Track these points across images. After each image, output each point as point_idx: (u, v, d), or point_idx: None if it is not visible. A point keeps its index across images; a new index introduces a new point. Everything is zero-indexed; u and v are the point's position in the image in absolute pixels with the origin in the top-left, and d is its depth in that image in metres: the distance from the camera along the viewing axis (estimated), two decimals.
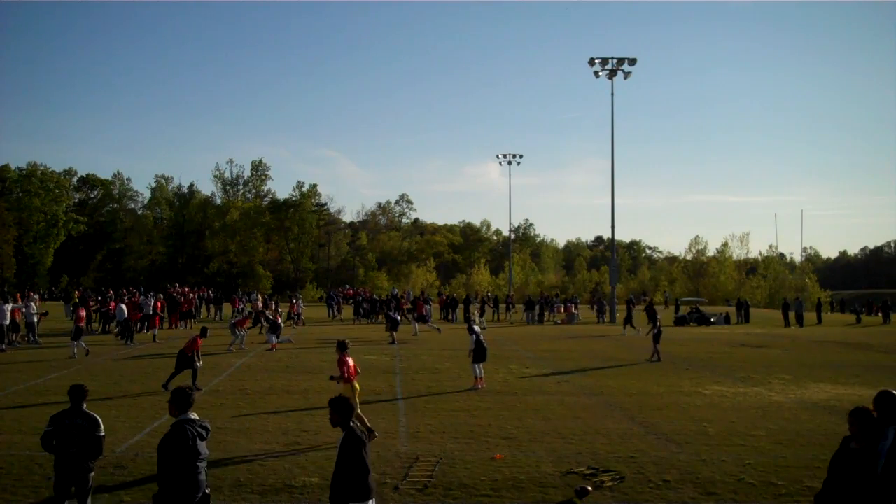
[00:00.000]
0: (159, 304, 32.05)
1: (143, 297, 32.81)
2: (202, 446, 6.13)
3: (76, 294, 42.12)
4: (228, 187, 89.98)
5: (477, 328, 17.38)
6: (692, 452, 10.59)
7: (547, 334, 32.00)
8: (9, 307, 24.11)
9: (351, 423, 6.09)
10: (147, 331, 30.22)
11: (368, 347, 24.94)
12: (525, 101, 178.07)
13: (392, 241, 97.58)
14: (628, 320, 32.12)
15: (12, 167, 78.08)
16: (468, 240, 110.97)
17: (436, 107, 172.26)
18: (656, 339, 21.59)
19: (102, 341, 26.82)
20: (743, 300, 47.01)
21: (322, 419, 12.80)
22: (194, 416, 6.27)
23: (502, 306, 44.37)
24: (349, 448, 5.93)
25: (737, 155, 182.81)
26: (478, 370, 16.38)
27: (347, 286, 60.97)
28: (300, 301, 41.15)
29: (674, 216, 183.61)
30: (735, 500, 8.54)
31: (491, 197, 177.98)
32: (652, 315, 21.93)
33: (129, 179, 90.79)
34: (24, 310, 25.70)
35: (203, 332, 17.32)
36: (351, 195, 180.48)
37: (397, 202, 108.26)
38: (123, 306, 28.23)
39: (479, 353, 16.38)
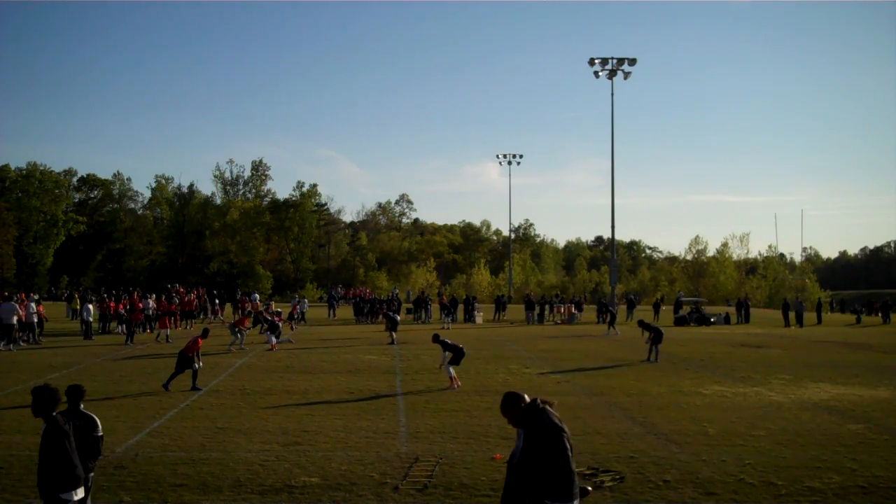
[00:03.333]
0: (173, 306, 32.12)
1: (143, 298, 32.82)
2: None
3: (77, 295, 42.12)
4: (228, 187, 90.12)
5: (448, 340, 17.49)
6: (692, 452, 10.58)
7: (547, 334, 32.00)
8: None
9: (54, 414, 6.10)
10: (148, 331, 30.34)
11: (368, 347, 24.95)
12: (525, 101, 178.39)
13: (392, 241, 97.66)
14: (612, 321, 32.59)
15: (12, 167, 78.24)
16: (468, 240, 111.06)
17: (435, 107, 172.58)
18: (656, 341, 21.57)
19: (103, 342, 26.82)
20: (743, 300, 47.04)
21: (322, 419, 12.80)
22: None
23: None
24: (50, 439, 5.98)
25: (737, 155, 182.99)
26: (452, 371, 16.54)
27: (341, 287, 60.93)
28: (302, 302, 41.21)
29: (674, 216, 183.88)
30: (735, 500, 8.53)
31: (491, 197, 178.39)
32: (646, 327, 22.22)
33: (129, 179, 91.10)
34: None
35: (204, 333, 17.33)
36: (351, 195, 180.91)
37: (397, 202, 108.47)
38: (90, 306, 28.57)
39: (458, 357, 16.64)
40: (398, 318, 29.63)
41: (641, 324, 22.95)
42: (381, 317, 34.94)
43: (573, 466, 5.39)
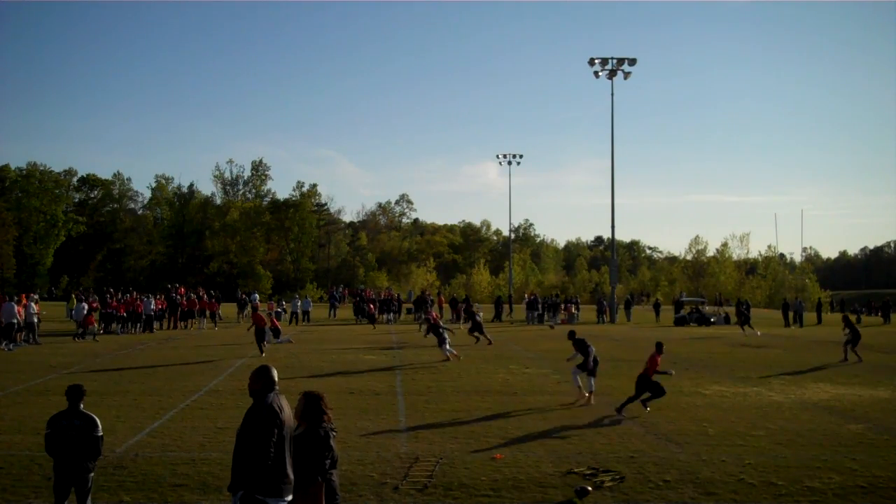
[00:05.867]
0: (161, 304, 32.29)
1: (143, 298, 32.89)
2: None
3: (74, 295, 42.15)
4: (228, 187, 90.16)
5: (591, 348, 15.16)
6: (692, 452, 10.58)
7: (547, 334, 31.99)
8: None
9: None
10: (145, 331, 30.42)
11: (369, 348, 24.94)
12: (525, 101, 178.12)
13: (392, 241, 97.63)
14: (745, 321, 32.19)
15: (12, 167, 78.23)
16: (468, 240, 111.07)
17: (435, 107, 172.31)
18: (851, 343, 21.64)
19: (103, 341, 26.82)
20: (743, 300, 46.99)
21: None
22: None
23: (506, 306, 44.44)
24: None
25: (737, 155, 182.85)
26: (580, 381, 14.73)
27: (342, 286, 60.82)
28: (305, 301, 41.13)
29: (674, 216, 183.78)
30: (735, 500, 8.53)
31: (490, 197, 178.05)
32: (849, 324, 22.13)
33: (129, 179, 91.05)
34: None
35: (659, 348, 14.33)
36: (350, 195, 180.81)
37: (397, 202, 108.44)
38: (84, 305, 28.69)
39: (586, 364, 14.78)
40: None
41: (846, 320, 22.81)
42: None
43: (271, 455, 5.30)
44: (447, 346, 21.07)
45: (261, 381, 5.59)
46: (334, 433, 6.08)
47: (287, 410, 5.57)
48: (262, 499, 5.26)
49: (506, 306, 44.21)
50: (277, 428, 5.34)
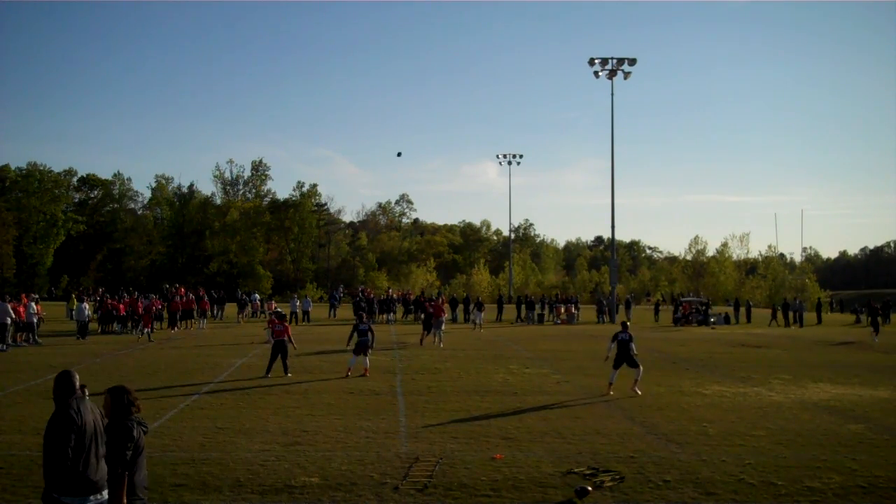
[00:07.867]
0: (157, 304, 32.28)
1: (143, 297, 32.92)
2: None
3: (74, 295, 42.17)
4: (228, 187, 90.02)
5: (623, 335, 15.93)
6: (692, 452, 10.59)
7: (547, 334, 31.99)
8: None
9: None
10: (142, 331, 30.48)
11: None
12: (524, 101, 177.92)
13: (392, 241, 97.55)
14: (877, 325, 30.99)
15: (12, 167, 78.21)
16: (468, 240, 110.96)
17: (435, 107, 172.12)
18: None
19: (103, 341, 26.83)
20: (741, 301, 47.00)
21: (322, 419, 12.79)
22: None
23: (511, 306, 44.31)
24: None
25: (737, 155, 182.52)
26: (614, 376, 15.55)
27: (341, 287, 60.86)
28: (305, 301, 41.15)
29: (674, 216, 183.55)
30: (735, 500, 8.53)
31: (490, 197, 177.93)
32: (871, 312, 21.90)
33: (129, 179, 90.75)
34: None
35: None
36: (350, 195, 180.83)
37: (397, 202, 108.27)
38: (85, 305, 28.66)
39: (622, 356, 15.65)
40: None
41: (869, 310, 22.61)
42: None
43: (69, 457, 5.39)
44: (366, 356, 18.22)
45: (60, 388, 5.76)
46: (145, 428, 6.00)
47: (90, 413, 5.70)
48: (57, 497, 5.45)
49: (523, 306, 43.60)
50: (75, 431, 5.50)
